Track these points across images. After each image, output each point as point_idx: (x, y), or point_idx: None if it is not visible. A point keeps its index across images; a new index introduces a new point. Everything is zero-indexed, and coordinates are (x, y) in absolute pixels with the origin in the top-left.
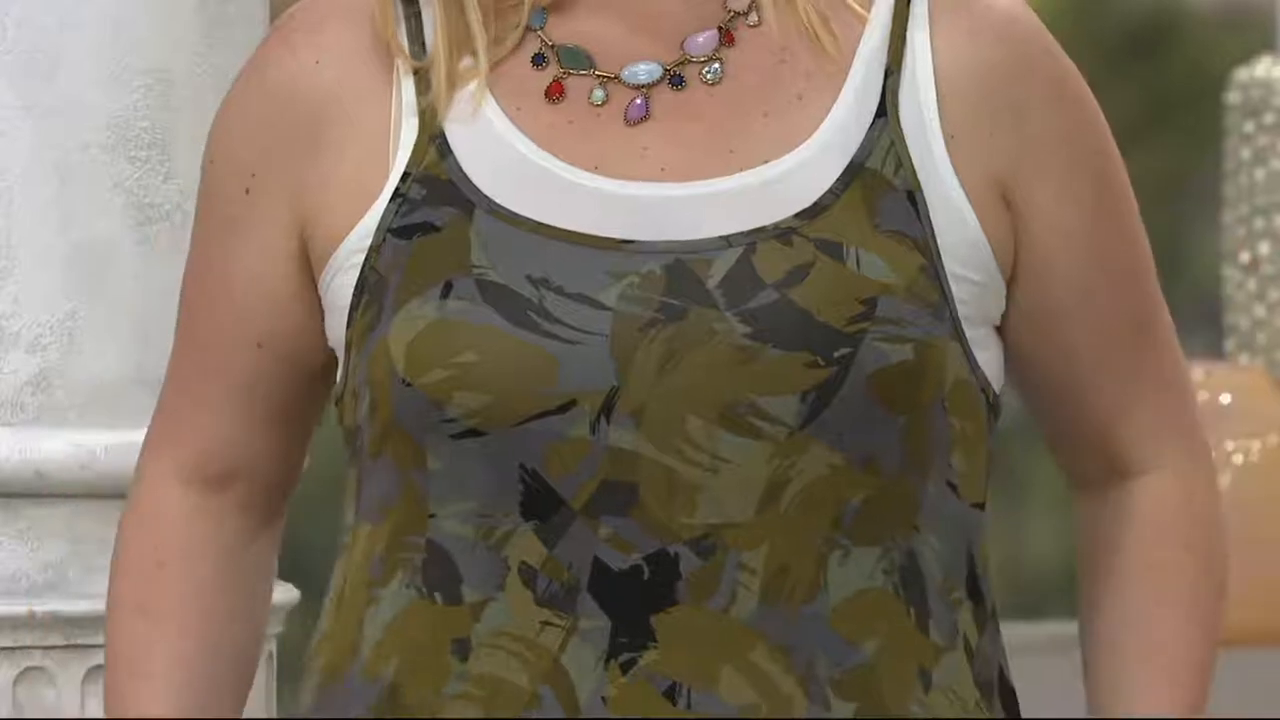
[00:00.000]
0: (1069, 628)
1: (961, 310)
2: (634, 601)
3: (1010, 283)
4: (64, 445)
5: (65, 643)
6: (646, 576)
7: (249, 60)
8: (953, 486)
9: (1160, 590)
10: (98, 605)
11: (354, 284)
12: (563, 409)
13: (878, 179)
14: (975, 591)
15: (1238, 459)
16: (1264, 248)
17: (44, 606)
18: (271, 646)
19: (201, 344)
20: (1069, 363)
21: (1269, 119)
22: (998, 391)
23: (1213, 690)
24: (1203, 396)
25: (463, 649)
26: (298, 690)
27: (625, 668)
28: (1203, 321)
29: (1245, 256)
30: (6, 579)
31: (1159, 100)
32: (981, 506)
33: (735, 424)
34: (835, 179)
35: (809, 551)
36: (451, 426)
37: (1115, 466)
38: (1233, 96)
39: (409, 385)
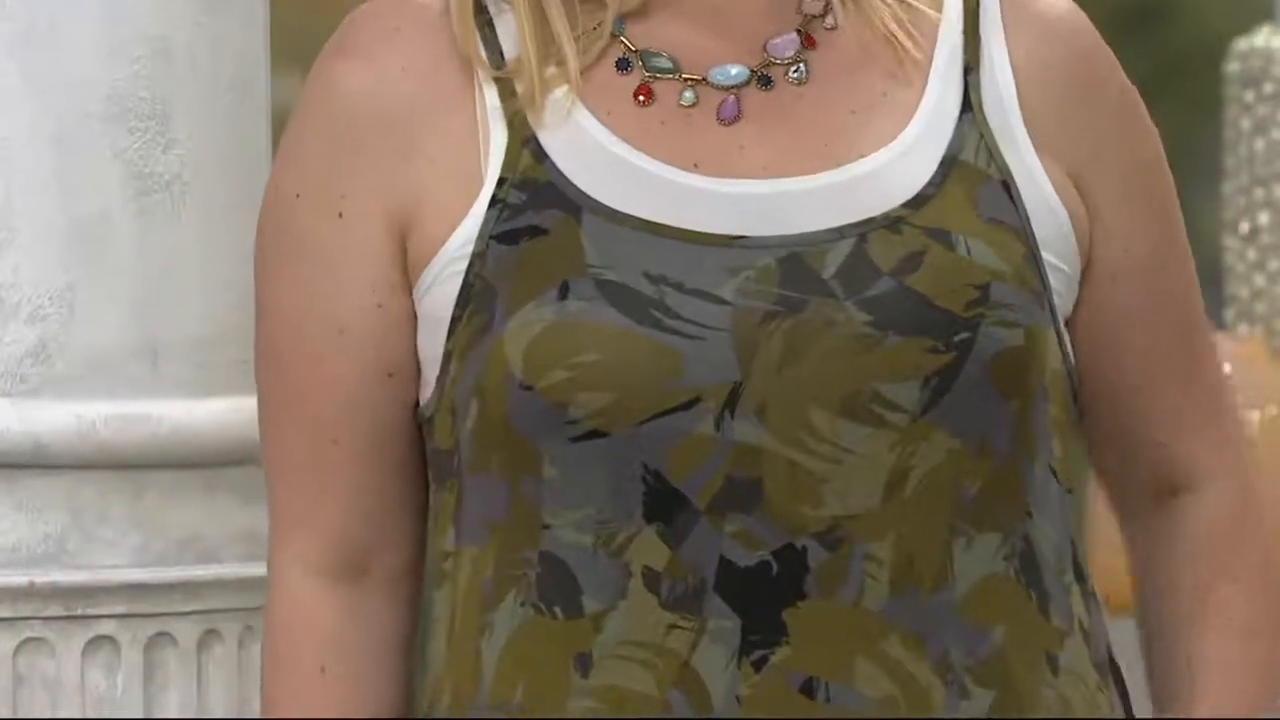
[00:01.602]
0: None
1: (1056, 300)
2: (763, 598)
3: (1081, 278)
4: (64, 416)
5: (65, 613)
6: (775, 572)
7: (314, 80)
8: (1054, 471)
9: (1215, 621)
10: (97, 576)
11: (456, 293)
12: (686, 406)
13: (973, 170)
14: (1080, 573)
15: None
16: (1264, 218)
17: (44, 577)
18: None
19: (314, 405)
20: (1126, 365)
21: (1269, 89)
22: (1077, 382)
23: None
24: None
25: (584, 663)
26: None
27: (758, 666)
28: (1202, 291)
29: (1245, 226)
30: (6, 550)
31: (1159, 70)
32: (1071, 492)
33: (858, 413)
34: (933, 171)
35: (934, 540)
36: (573, 429)
37: (1164, 482)
38: (1232, 66)
39: (528, 389)
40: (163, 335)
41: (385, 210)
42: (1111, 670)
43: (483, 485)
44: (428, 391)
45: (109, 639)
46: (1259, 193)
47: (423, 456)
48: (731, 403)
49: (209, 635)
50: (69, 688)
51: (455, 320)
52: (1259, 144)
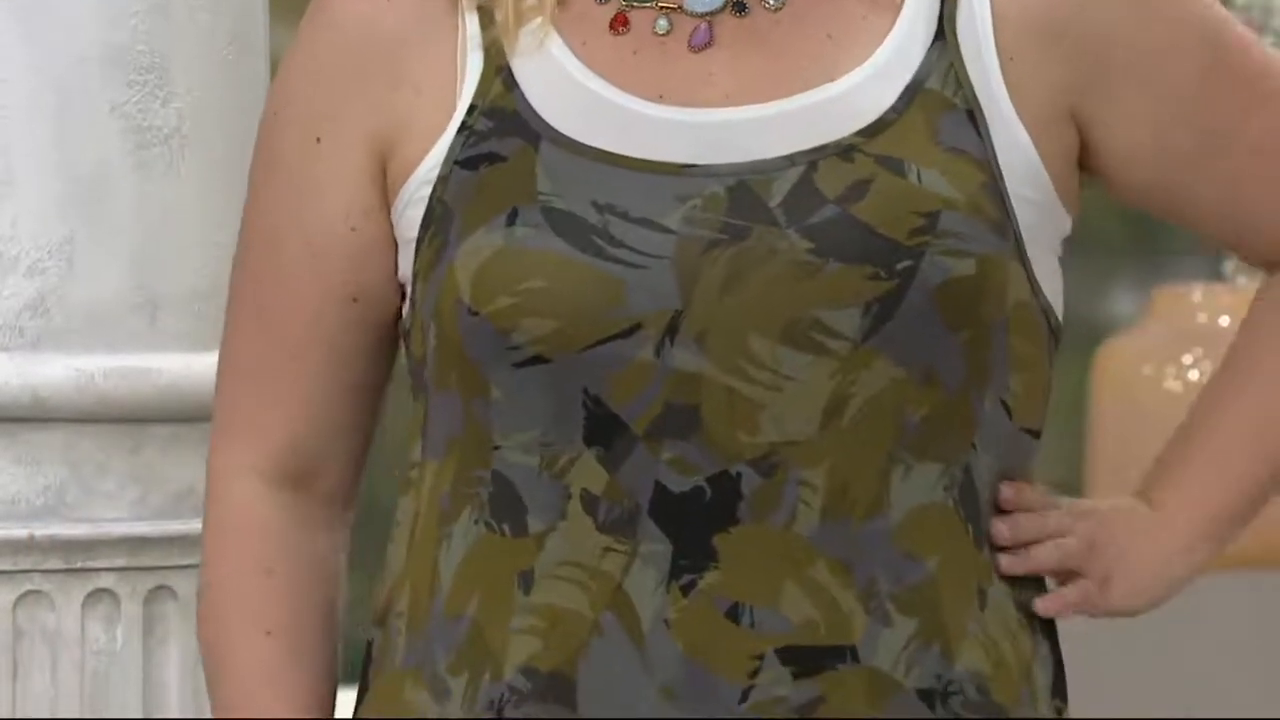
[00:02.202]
0: None
1: (1024, 231)
2: (695, 523)
3: (1124, 168)
4: (62, 369)
5: (65, 566)
6: (708, 498)
7: (313, 6)
8: (1006, 407)
9: None
10: (96, 529)
11: (421, 216)
12: (627, 333)
13: (938, 98)
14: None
15: None
16: None
17: (43, 530)
18: None
19: (279, 320)
20: (1225, 200)
21: (1269, 40)
22: (1059, 317)
23: (1225, 612)
24: (1201, 319)
25: (527, 581)
26: (373, 634)
27: (686, 590)
28: (1201, 243)
29: None
30: (5, 503)
31: None
32: (1036, 434)
33: (798, 340)
34: (896, 97)
35: (871, 468)
36: (517, 354)
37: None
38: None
39: (475, 314)
40: (162, 288)
41: (368, 136)
42: (1043, 620)
43: (443, 402)
44: (408, 307)
45: (108, 592)
46: None
47: (377, 382)
48: (672, 330)
49: None
50: (69, 640)
51: (419, 242)
52: None
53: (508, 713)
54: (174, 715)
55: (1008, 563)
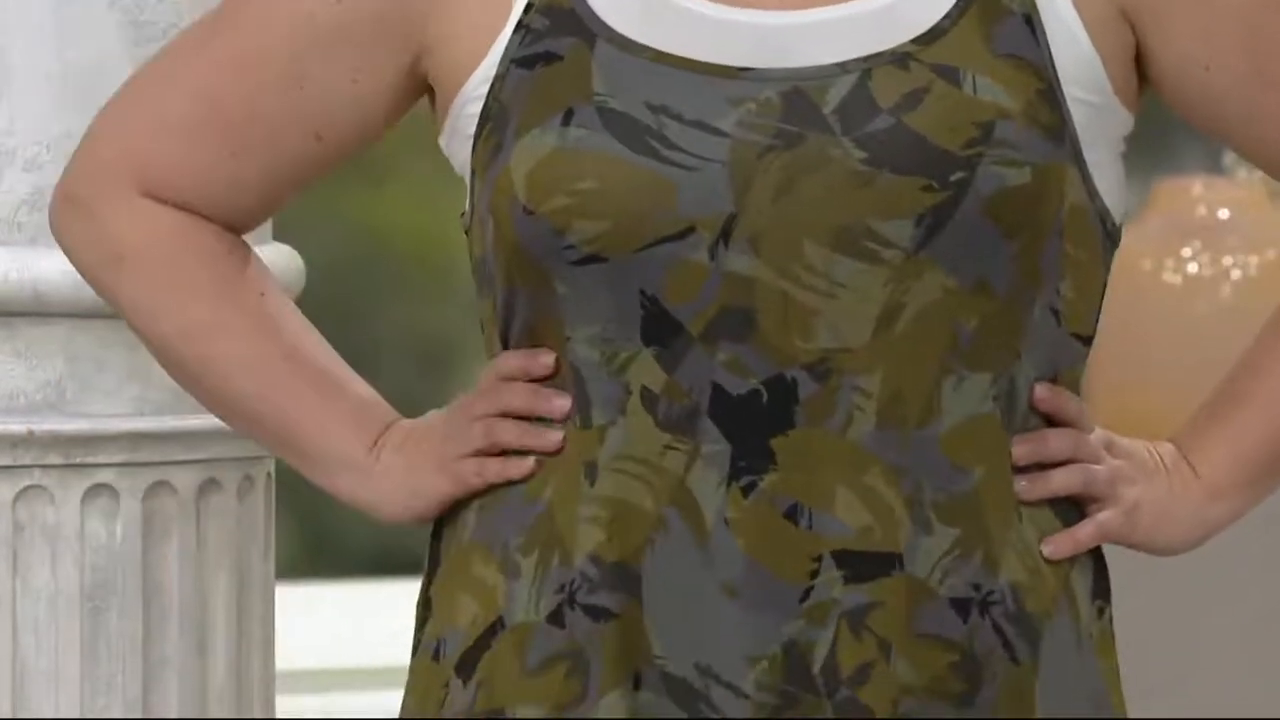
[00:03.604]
0: None
1: (1081, 134)
2: (753, 425)
3: (1178, 79)
4: (61, 264)
5: (64, 461)
6: (765, 400)
7: None
8: (1055, 314)
9: None
10: (96, 424)
11: (479, 114)
12: (682, 235)
13: (993, 4)
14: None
15: (1236, 274)
16: None
17: (42, 425)
18: (270, 468)
19: (233, 120)
20: (1274, 130)
21: None
22: (1117, 220)
23: None
24: (1201, 211)
25: (592, 472)
26: (454, 510)
27: (746, 491)
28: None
29: None
30: (5, 398)
31: None
32: (1087, 340)
33: (851, 248)
34: (952, 4)
35: (924, 376)
36: (572, 253)
37: None
38: None
39: (530, 213)
40: None
41: (414, 23)
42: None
43: (512, 295)
44: (467, 202)
45: (108, 487)
46: None
47: (298, 187)
48: (726, 233)
49: (208, 484)
50: (68, 536)
51: (476, 139)
52: None
53: (580, 598)
54: (174, 609)
55: (1024, 488)
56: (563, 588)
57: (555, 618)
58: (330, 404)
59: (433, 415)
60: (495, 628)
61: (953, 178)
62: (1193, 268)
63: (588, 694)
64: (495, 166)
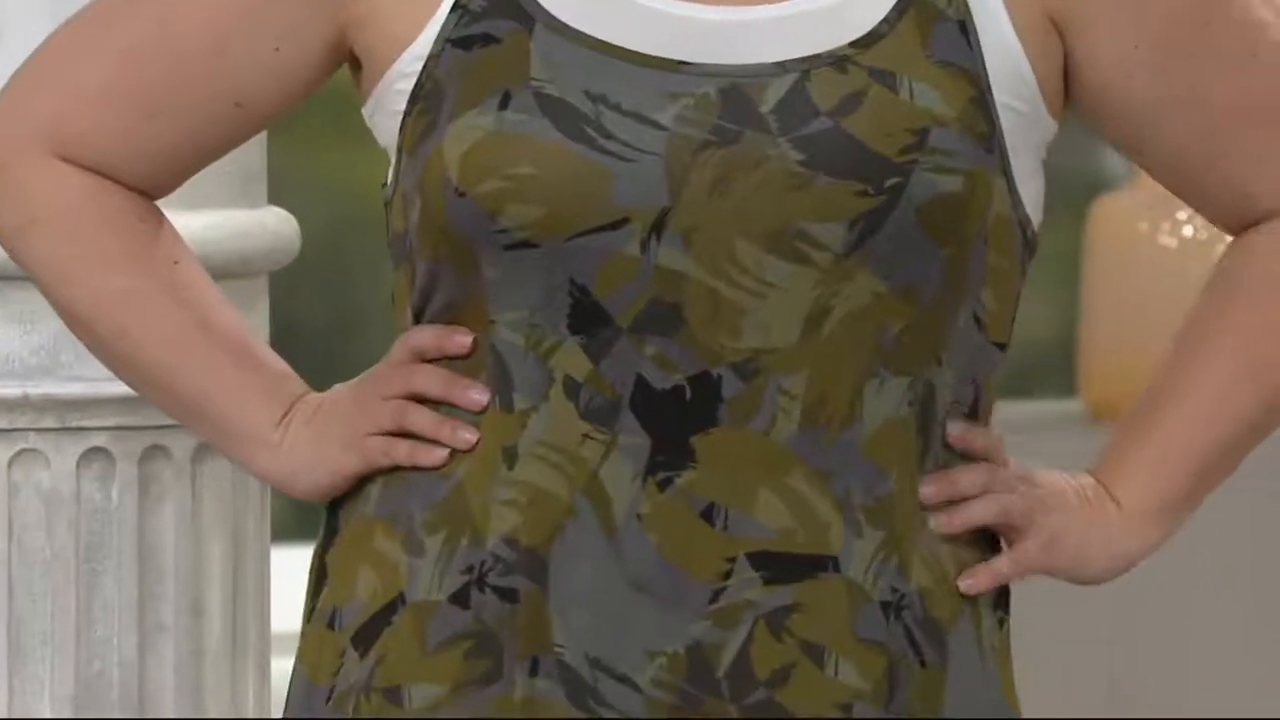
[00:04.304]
0: (1062, 406)
1: (1009, 141)
2: (675, 421)
3: (1101, 91)
4: None
5: (59, 425)
6: (688, 397)
7: None
8: (978, 321)
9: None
10: (92, 388)
11: (410, 91)
12: (614, 226)
13: (930, 9)
14: (978, 423)
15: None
16: None
17: (38, 389)
18: None
19: (155, 81)
20: (1192, 154)
21: None
22: (1035, 228)
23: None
24: None
25: (511, 455)
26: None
27: (662, 486)
28: None
29: None
30: (0, 361)
31: None
32: (1003, 347)
33: (783, 249)
34: (890, 8)
35: (848, 379)
36: (504, 237)
37: (1249, 219)
38: None
39: (462, 195)
40: None
41: None
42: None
43: (433, 273)
44: (390, 177)
45: (103, 451)
46: None
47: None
48: (659, 227)
49: (203, 448)
50: (64, 499)
51: (406, 115)
52: None
53: (490, 580)
54: (169, 572)
55: (939, 521)
56: (471, 568)
57: (458, 598)
58: (243, 376)
59: (340, 389)
60: (396, 604)
61: (888, 183)
62: (1188, 230)
63: (502, 674)
64: (426, 146)
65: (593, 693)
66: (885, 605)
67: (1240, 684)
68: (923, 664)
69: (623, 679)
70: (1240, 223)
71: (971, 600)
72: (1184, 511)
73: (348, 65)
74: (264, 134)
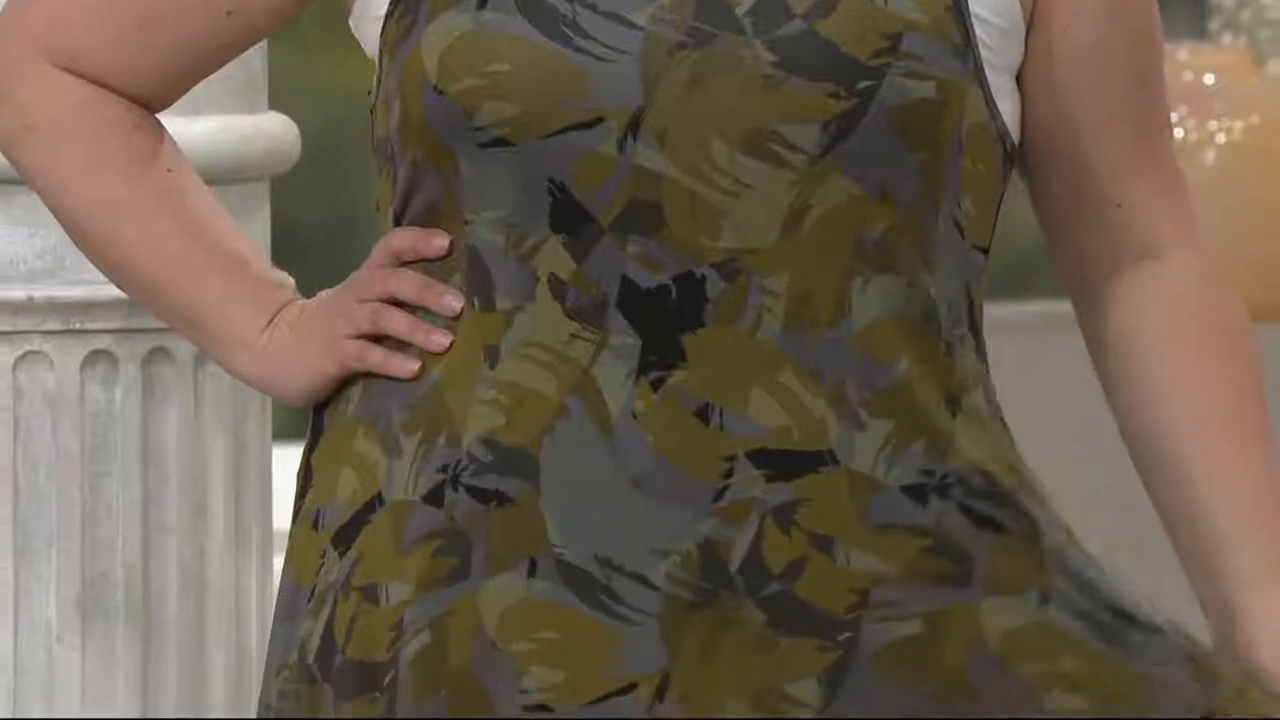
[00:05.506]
0: (1055, 306)
1: (984, 54)
2: (664, 321)
3: (1029, 29)
4: None
5: (63, 327)
6: (674, 296)
7: None
8: (959, 227)
9: (1205, 371)
10: (95, 291)
11: None
12: (589, 125)
13: None
14: (975, 329)
15: (1220, 138)
16: None
17: (42, 292)
18: None
19: None
20: (1077, 113)
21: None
22: (1015, 141)
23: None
24: (1186, 77)
25: (494, 356)
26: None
27: (655, 385)
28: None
29: None
30: (4, 264)
31: None
32: (985, 251)
33: (757, 150)
34: None
35: (831, 279)
36: (480, 135)
37: (1128, 248)
38: None
39: (440, 93)
40: None
41: None
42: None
43: (414, 175)
44: (374, 81)
45: (107, 353)
46: None
47: (237, 52)
48: (634, 126)
49: None
50: (69, 401)
51: (388, 18)
52: None
53: (465, 479)
54: (173, 474)
55: None
56: (446, 468)
57: (432, 497)
58: (231, 283)
59: (325, 294)
60: (374, 503)
61: (859, 86)
62: (1178, 132)
63: (469, 574)
64: (406, 47)
65: (606, 591)
66: (913, 488)
67: None
68: (1000, 529)
69: (635, 576)
70: (1110, 260)
71: (1029, 481)
72: None
73: None
74: (265, 41)
